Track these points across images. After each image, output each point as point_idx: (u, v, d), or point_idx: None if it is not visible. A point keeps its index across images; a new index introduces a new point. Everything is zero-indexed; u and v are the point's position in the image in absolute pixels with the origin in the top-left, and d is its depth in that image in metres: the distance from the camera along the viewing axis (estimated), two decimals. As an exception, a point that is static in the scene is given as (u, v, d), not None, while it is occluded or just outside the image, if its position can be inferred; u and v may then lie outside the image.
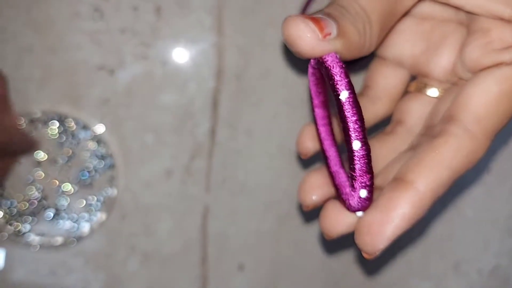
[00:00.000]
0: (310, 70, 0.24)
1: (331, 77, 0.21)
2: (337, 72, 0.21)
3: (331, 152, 0.27)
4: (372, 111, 0.28)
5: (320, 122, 0.27)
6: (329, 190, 0.27)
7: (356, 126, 0.21)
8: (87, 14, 0.36)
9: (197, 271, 0.39)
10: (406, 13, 0.25)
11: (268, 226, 0.40)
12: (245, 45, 0.37)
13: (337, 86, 0.21)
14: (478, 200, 0.41)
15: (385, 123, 0.29)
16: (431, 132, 0.25)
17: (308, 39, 0.20)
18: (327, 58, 0.21)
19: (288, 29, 0.20)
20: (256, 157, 0.39)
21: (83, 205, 0.37)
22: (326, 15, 0.21)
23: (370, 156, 0.22)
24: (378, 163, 0.27)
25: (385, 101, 0.29)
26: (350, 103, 0.21)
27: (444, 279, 0.41)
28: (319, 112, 0.26)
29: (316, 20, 0.20)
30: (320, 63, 0.21)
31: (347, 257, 0.41)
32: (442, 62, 0.26)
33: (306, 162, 0.39)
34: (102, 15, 0.36)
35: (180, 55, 0.37)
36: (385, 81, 0.28)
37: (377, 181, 0.25)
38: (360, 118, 0.21)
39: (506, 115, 0.23)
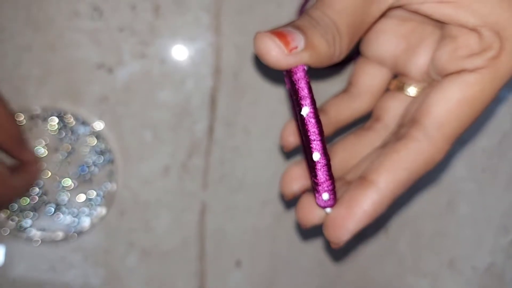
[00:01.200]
0: (286, 79, 0.26)
1: (295, 92, 0.23)
2: (301, 87, 0.23)
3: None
4: (353, 108, 0.30)
5: None
6: (308, 182, 0.29)
7: (317, 139, 0.23)
8: (86, 13, 0.36)
9: (195, 267, 0.40)
10: (375, 22, 0.26)
11: (266, 222, 0.40)
12: (242, 43, 0.38)
13: (301, 101, 0.23)
14: (472, 198, 0.41)
15: (366, 119, 0.30)
16: (398, 133, 0.26)
17: (275, 53, 0.22)
18: (295, 72, 0.23)
19: (257, 45, 0.22)
20: (254, 154, 0.39)
21: (83, 200, 0.38)
22: (295, 28, 0.22)
23: (329, 164, 0.24)
24: (353, 157, 0.29)
25: (365, 98, 0.30)
26: (311, 118, 0.23)
27: (439, 276, 0.41)
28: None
29: (282, 35, 0.22)
30: (289, 75, 0.23)
31: (343, 254, 0.41)
32: (419, 62, 0.27)
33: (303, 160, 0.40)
34: (101, 14, 0.36)
35: (178, 53, 0.37)
36: (367, 79, 0.30)
37: (349, 176, 0.28)
38: (320, 132, 0.23)
39: (467, 120, 0.24)
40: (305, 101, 0.23)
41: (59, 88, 0.37)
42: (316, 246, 0.41)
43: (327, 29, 0.23)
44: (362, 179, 0.25)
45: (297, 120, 0.29)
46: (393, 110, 0.29)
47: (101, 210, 0.38)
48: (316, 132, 0.23)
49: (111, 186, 0.38)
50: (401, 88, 0.28)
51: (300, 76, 0.23)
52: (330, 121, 0.30)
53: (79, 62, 0.37)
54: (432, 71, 0.26)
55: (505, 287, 0.42)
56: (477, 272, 0.42)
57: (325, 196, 0.25)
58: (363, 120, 0.30)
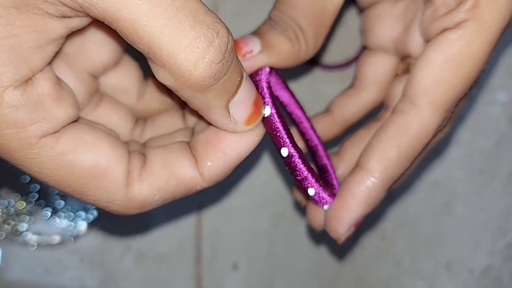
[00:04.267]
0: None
1: (259, 93, 0.23)
2: (261, 87, 0.23)
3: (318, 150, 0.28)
4: (360, 101, 0.29)
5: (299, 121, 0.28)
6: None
7: (279, 134, 0.23)
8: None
9: (191, 269, 0.40)
10: (339, 10, 0.25)
11: (263, 225, 0.40)
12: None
13: (263, 100, 0.23)
14: (469, 200, 0.41)
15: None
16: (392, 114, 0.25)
17: None
18: (257, 74, 0.23)
19: None
20: (250, 156, 0.39)
21: (79, 203, 0.38)
22: (252, 34, 0.22)
23: (302, 156, 0.23)
24: None
25: (372, 88, 0.29)
26: (273, 116, 0.23)
27: (436, 278, 0.41)
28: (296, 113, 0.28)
29: (235, 43, 0.21)
30: (252, 78, 0.23)
31: (341, 256, 0.41)
32: (416, 39, 0.26)
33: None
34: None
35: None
36: (371, 70, 0.29)
37: None
38: (284, 127, 0.23)
39: (456, 82, 0.22)
40: (265, 99, 0.23)
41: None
42: (313, 248, 0.41)
43: (286, 27, 0.22)
44: (356, 167, 0.24)
45: (296, 125, 0.28)
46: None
47: (98, 214, 0.38)
48: (279, 128, 0.23)
49: None
50: (407, 70, 0.27)
51: (259, 78, 0.23)
52: (336, 120, 0.29)
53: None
54: (424, 41, 0.25)
55: (502, 289, 0.42)
56: (474, 275, 0.42)
57: (311, 191, 0.24)
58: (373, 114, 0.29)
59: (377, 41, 0.28)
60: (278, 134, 0.23)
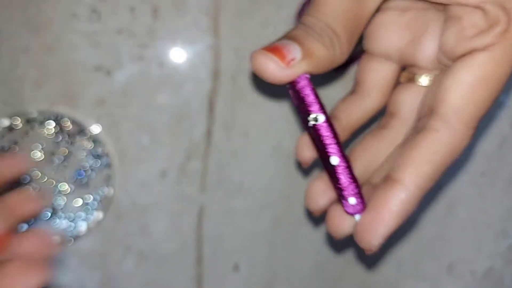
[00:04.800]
0: (291, 92, 0.25)
1: (302, 100, 0.23)
2: (307, 94, 0.23)
3: None
4: (364, 107, 0.29)
5: None
6: (333, 194, 0.28)
7: (332, 143, 0.23)
8: (85, 15, 0.36)
9: (192, 271, 0.40)
10: (374, 15, 0.26)
11: (264, 226, 0.40)
12: (241, 46, 0.38)
13: (309, 108, 0.23)
14: (471, 202, 0.41)
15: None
16: (418, 126, 0.25)
17: (272, 69, 0.21)
18: (298, 82, 0.23)
19: (253, 64, 0.22)
20: (252, 158, 0.39)
21: (80, 204, 0.37)
22: (289, 39, 0.22)
23: (350, 167, 0.23)
24: (375, 159, 0.28)
25: (375, 95, 0.29)
26: (323, 123, 0.22)
27: (439, 280, 0.41)
28: None
29: (277, 50, 0.22)
30: (293, 87, 0.23)
31: (342, 259, 0.41)
32: (427, 51, 0.26)
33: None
34: (99, 16, 0.36)
35: (177, 56, 0.37)
36: (374, 76, 0.29)
37: (374, 179, 0.26)
38: (335, 135, 0.23)
39: (486, 101, 0.23)
40: (313, 107, 0.23)
41: (56, 90, 0.36)
42: (315, 250, 0.41)
43: (322, 33, 0.23)
44: (387, 179, 0.24)
45: (309, 133, 0.28)
46: (407, 103, 0.28)
47: (98, 215, 0.38)
48: (330, 135, 0.23)
49: (108, 191, 0.37)
50: (412, 80, 0.27)
51: (303, 84, 0.23)
52: (343, 126, 0.29)
53: (76, 64, 0.36)
54: (442, 57, 0.25)
55: (504, 291, 0.42)
56: (476, 277, 0.42)
57: (352, 200, 0.24)
58: (377, 119, 0.29)
59: (382, 47, 0.28)
60: (328, 141, 0.23)
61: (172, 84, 0.37)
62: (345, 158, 0.23)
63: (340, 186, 0.24)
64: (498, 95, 0.24)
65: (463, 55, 0.23)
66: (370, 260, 0.41)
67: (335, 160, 0.23)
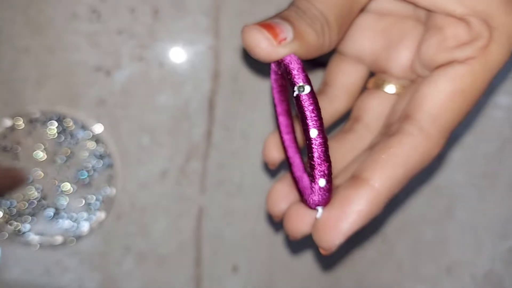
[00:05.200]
0: (272, 76, 0.25)
1: (289, 73, 0.22)
2: (294, 67, 0.22)
3: (295, 159, 0.27)
4: (331, 109, 0.29)
5: (284, 130, 0.27)
6: (295, 197, 0.27)
7: (313, 115, 0.22)
8: (85, 15, 0.36)
9: (191, 272, 0.40)
10: (362, 9, 0.26)
11: (263, 228, 0.40)
12: (241, 47, 0.38)
13: (294, 79, 0.22)
14: (471, 204, 0.41)
15: (343, 121, 0.29)
16: (388, 131, 0.25)
17: (264, 46, 0.21)
18: (285, 58, 0.22)
19: (245, 38, 0.22)
20: (252, 159, 0.39)
21: (82, 204, 0.38)
22: (282, 19, 0.22)
23: (327, 145, 0.22)
24: (338, 163, 0.27)
25: (343, 98, 0.29)
26: (307, 94, 0.22)
27: (438, 282, 0.41)
28: (282, 120, 0.27)
29: (270, 27, 0.21)
30: (279, 63, 0.22)
31: (341, 261, 0.41)
32: (401, 59, 0.26)
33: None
34: (100, 16, 0.36)
35: (177, 56, 0.37)
36: (343, 78, 0.29)
37: (337, 181, 0.26)
38: (317, 108, 0.22)
39: (461, 112, 0.24)
40: (301, 77, 0.22)
41: (57, 90, 0.37)
42: (314, 252, 0.41)
43: (314, 19, 0.22)
44: (354, 179, 0.24)
45: (280, 132, 0.28)
46: (373, 109, 0.28)
47: (100, 215, 0.38)
48: (314, 108, 0.22)
49: (110, 191, 0.38)
50: (380, 86, 0.28)
51: (292, 59, 0.22)
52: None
53: (77, 65, 0.36)
54: (418, 65, 0.25)
55: (503, 294, 0.42)
56: (475, 279, 0.41)
57: (322, 182, 0.23)
58: (339, 123, 0.29)
59: (354, 50, 0.28)
60: (311, 114, 0.22)
61: (172, 85, 0.37)
62: (323, 134, 0.22)
63: (313, 163, 0.23)
64: (472, 108, 0.24)
65: (442, 65, 0.24)
66: (327, 261, 0.40)
67: (313, 132, 0.22)
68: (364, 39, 0.27)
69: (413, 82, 0.26)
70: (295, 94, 0.22)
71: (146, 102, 0.37)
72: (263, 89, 0.38)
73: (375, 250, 0.41)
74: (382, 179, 0.23)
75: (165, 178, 0.38)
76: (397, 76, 0.27)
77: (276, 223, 0.38)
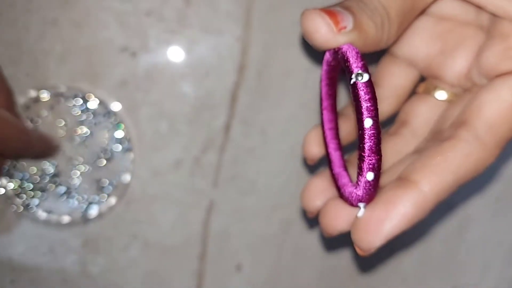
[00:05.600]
0: (324, 67, 0.24)
1: (346, 60, 0.22)
2: (352, 55, 0.22)
3: (336, 155, 0.27)
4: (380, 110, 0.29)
5: (327, 125, 0.27)
6: (332, 194, 0.27)
7: (369, 104, 0.21)
8: (116, -7, 0.35)
9: (194, 266, 0.39)
10: (424, 10, 0.25)
11: (272, 229, 0.39)
12: (270, 41, 0.37)
13: (352, 66, 0.21)
14: (483, 224, 0.41)
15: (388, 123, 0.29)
16: (439, 137, 0.25)
17: (323, 32, 0.21)
18: (343, 47, 0.22)
19: (305, 22, 0.21)
20: (268, 157, 0.38)
21: (95, 187, 0.37)
22: (343, 8, 0.22)
23: (380, 137, 0.22)
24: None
25: (391, 100, 0.29)
26: (365, 82, 0.21)
27: (443, 301, 0.41)
28: (326, 114, 0.26)
29: (332, 14, 0.21)
30: (336, 52, 0.22)
31: (347, 268, 0.40)
32: (457, 65, 0.26)
33: (317, 167, 0.39)
34: (131, -4, 0.35)
35: (204, 45, 0.36)
36: (393, 80, 0.28)
37: (380, 182, 0.25)
38: (373, 98, 0.21)
39: None
40: (360, 64, 0.22)
41: (80, 67, 0.36)
42: (322, 260, 0.40)
43: (375, 11, 0.22)
44: (401, 180, 0.23)
45: (322, 127, 0.27)
46: (422, 114, 0.27)
47: (111, 200, 0.37)
48: (370, 97, 0.21)
49: (125, 177, 0.37)
50: (430, 92, 0.27)
51: (350, 48, 0.22)
52: (354, 125, 0.28)
53: (103, 43, 0.36)
54: (476, 73, 0.25)
55: (508, 319, 0.41)
56: (481, 302, 0.41)
57: (370, 175, 0.22)
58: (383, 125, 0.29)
59: (408, 53, 0.28)
60: (365, 103, 0.21)
61: (196, 74, 0.37)
62: (378, 125, 0.22)
63: (363, 154, 0.22)
64: None
65: (504, 74, 0.23)
66: (365, 264, 0.40)
67: (368, 122, 0.21)
68: (419, 42, 0.27)
69: (466, 90, 0.26)
70: (352, 81, 0.22)
71: (168, 88, 0.37)
72: (287, 87, 0.38)
73: (381, 263, 0.40)
74: (431, 183, 0.22)
75: (179, 168, 0.38)
76: (451, 83, 0.26)
77: (310, 218, 0.37)
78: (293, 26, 0.37)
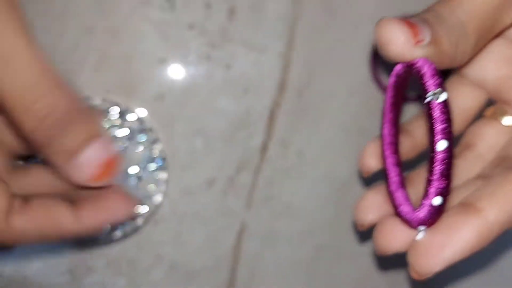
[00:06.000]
0: (392, 79, 0.24)
1: (421, 77, 0.21)
2: (429, 71, 0.21)
3: (394, 171, 0.26)
4: None
5: (388, 139, 0.26)
6: (387, 210, 0.26)
7: (444, 126, 0.21)
8: (157, 3, 0.34)
9: (220, 291, 0.37)
10: (502, 32, 0.24)
11: (304, 255, 0.37)
12: (313, 61, 0.36)
13: (427, 83, 0.21)
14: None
15: None
16: (506, 164, 0.24)
17: (400, 43, 0.20)
18: (418, 61, 0.21)
19: (380, 31, 0.20)
20: (304, 180, 0.37)
21: None
22: (422, 21, 0.21)
23: (452, 161, 0.21)
24: None
25: (456, 121, 0.28)
26: (441, 103, 0.21)
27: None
28: (388, 128, 0.26)
29: (411, 25, 0.20)
30: (409, 66, 0.21)
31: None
32: None
33: (354, 193, 0.37)
34: (173, 6, 0.34)
35: (245, 61, 0.35)
36: (461, 101, 0.28)
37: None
38: (449, 119, 0.21)
39: None
40: (434, 84, 0.21)
41: (115, 77, 0.34)
42: (353, 285, 0.38)
43: (452, 28, 0.21)
44: (467, 206, 0.22)
45: (382, 140, 0.26)
46: (489, 139, 0.27)
47: (138, 221, 0.34)
48: (446, 119, 0.21)
49: (156, 198, 0.34)
50: (498, 116, 0.27)
51: (426, 62, 0.21)
52: (415, 143, 0.28)
53: (140, 54, 0.34)
54: None
55: None
56: None
57: (436, 200, 0.21)
58: None
59: (477, 74, 0.27)
60: (444, 126, 0.21)
61: (235, 90, 0.35)
62: (451, 149, 0.21)
63: (432, 178, 0.21)
64: None
65: None
66: None
67: (442, 145, 0.21)
68: (491, 64, 0.26)
69: None
70: (427, 100, 0.21)
71: (205, 104, 0.35)
72: (328, 109, 0.36)
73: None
74: (496, 212, 0.21)
75: (212, 187, 0.36)
76: None
77: (360, 232, 0.36)
78: (336, 47, 0.36)
